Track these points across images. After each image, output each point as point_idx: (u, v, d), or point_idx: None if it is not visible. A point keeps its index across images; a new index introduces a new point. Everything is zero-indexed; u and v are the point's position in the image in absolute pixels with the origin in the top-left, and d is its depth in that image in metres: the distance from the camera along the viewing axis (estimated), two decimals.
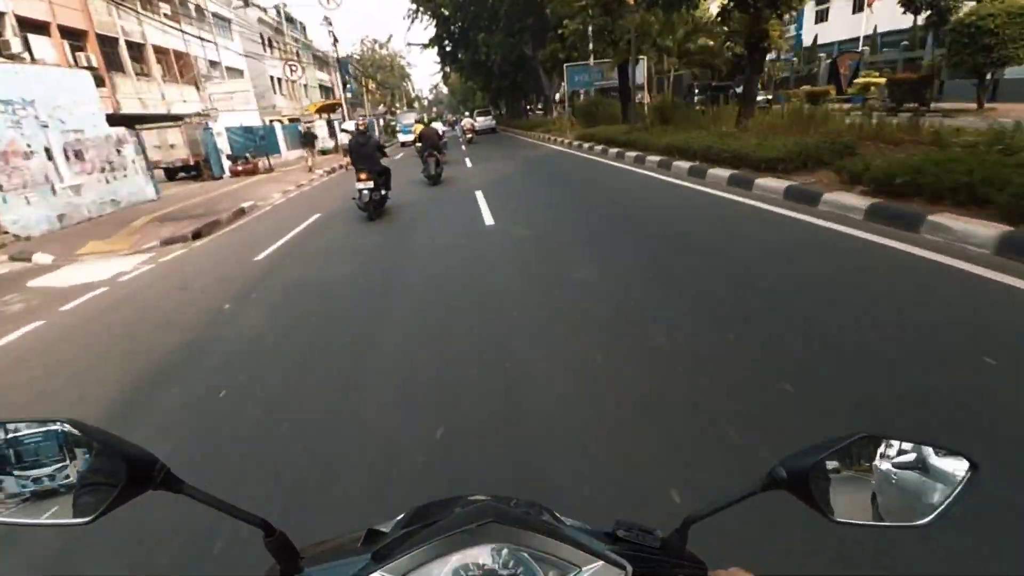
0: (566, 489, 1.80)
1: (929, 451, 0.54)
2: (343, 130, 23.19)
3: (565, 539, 0.48)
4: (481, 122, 30.74)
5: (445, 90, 77.77)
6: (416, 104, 77.65)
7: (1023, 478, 1.63)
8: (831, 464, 0.52)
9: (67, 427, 0.47)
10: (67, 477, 0.47)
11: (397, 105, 59.23)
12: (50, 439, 0.48)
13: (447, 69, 36.74)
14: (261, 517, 0.51)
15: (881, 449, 0.53)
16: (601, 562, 0.47)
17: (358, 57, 53.42)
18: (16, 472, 0.47)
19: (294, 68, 26.62)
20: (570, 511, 0.68)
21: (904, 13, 18.67)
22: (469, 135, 24.13)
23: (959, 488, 0.51)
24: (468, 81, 33.27)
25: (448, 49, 32.27)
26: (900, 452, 0.54)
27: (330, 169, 17.12)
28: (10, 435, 0.48)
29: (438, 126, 19.82)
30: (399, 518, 0.65)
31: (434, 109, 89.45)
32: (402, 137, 25.70)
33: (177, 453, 2.26)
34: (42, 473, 0.47)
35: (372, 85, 51.87)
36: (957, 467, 0.52)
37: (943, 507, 0.51)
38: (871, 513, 0.52)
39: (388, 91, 58.97)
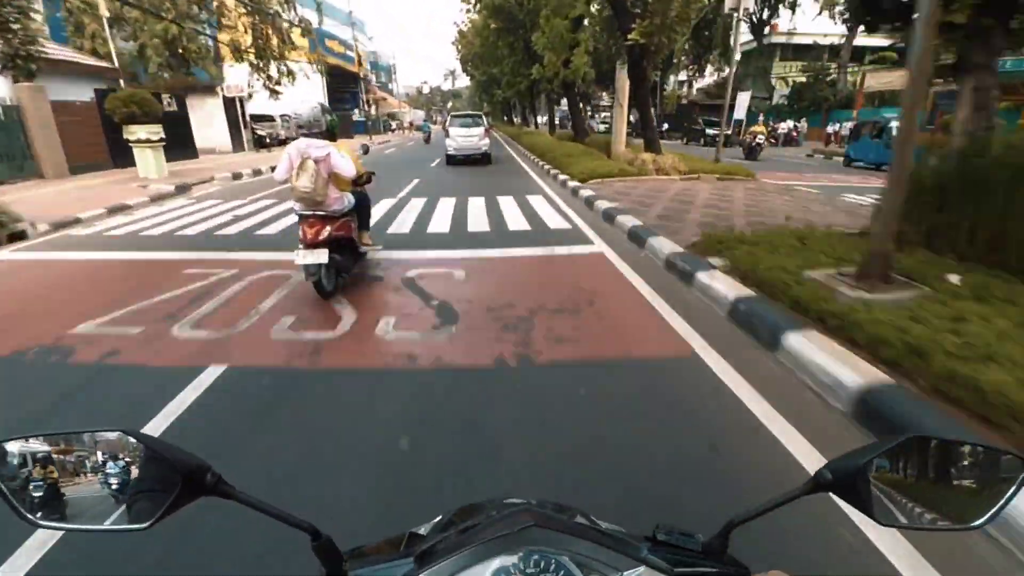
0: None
1: (979, 451, 0.53)
2: None
3: (606, 544, 0.48)
4: (461, 137, 15.26)
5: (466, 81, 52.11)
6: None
7: None
8: (879, 466, 0.51)
9: (124, 436, 0.50)
10: (124, 485, 0.50)
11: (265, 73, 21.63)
12: (108, 448, 0.50)
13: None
14: (309, 523, 0.53)
15: (930, 450, 0.53)
16: (643, 567, 0.47)
17: None
18: (76, 481, 0.50)
19: None
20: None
21: None
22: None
23: (1013, 488, 0.50)
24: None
25: None
26: (949, 452, 0.53)
27: None
28: (69, 445, 0.51)
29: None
30: (436, 520, 0.67)
31: (449, 104, 76.62)
32: None
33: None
34: (101, 481, 0.50)
35: None
36: (1009, 467, 0.51)
37: (996, 508, 0.50)
38: (920, 515, 0.51)
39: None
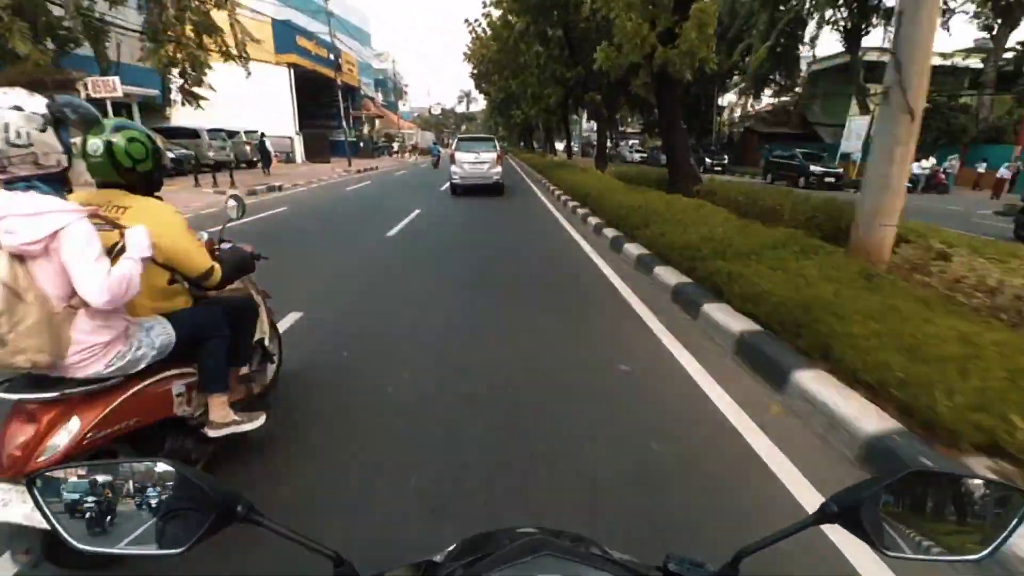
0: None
1: (980, 485, 0.53)
2: None
3: (619, 573, 0.49)
4: (469, 164, 12.72)
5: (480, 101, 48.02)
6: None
7: None
8: (883, 499, 0.53)
9: (161, 465, 0.53)
10: (159, 511, 0.53)
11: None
12: (145, 477, 0.53)
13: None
14: (332, 550, 0.54)
15: (932, 483, 0.54)
16: None
17: None
18: (115, 508, 0.53)
19: None
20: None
21: None
22: None
23: (1014, 522, 0.51)
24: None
25: None
26: (951, 486, 0.54)
27: None
28: (109, 474, 0.54)
29: None
30: (450, 549, 0.67)
31: (463, 128, 69.85)
32: None
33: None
34: (137, 507, 0.53)
35: None
36: (1010, 501, 0.52)
37: (998, 541, 0.51)
38: (924, 547, 0.52)
39: None
